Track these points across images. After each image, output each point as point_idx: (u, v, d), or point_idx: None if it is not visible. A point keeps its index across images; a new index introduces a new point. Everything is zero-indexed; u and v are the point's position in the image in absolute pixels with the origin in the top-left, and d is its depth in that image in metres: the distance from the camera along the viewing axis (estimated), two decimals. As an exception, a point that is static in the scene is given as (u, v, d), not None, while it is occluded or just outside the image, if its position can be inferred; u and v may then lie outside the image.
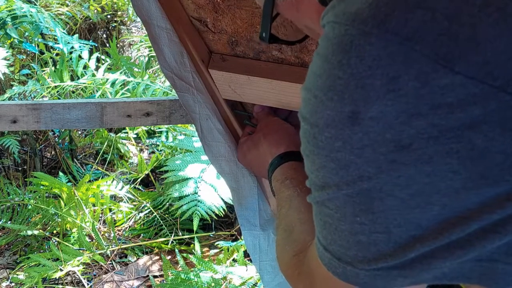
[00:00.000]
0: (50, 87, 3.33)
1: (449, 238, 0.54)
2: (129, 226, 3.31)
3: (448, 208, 0.54)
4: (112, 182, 3.31)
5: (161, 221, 3.18)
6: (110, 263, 3.04)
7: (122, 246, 3.10)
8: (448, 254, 0.55)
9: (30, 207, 3.16)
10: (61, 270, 2.75)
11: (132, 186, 3.40)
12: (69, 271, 2.85)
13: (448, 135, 0.52)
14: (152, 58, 4.05)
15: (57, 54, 3.74)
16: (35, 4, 3.70)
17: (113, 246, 3.09)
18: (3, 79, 3.46)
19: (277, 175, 1.08)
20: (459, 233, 0.54)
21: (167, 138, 3.53)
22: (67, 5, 4.26)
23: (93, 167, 3.66)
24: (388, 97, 0.52)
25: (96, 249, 2.97)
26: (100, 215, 3.25)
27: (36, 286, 2.72)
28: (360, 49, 0.53)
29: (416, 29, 0.52)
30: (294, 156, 1.10)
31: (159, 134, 3.70)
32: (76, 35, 3.78)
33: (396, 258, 0.56)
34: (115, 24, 4.60)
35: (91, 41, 4.01)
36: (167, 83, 3.60)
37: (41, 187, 3.22)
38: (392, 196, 0.55)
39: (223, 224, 3.29)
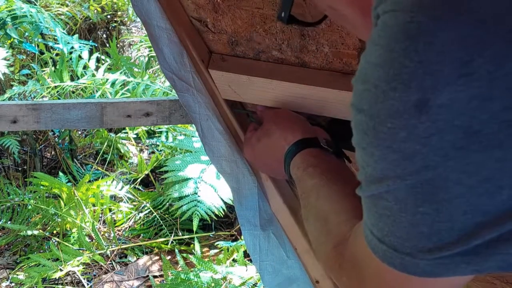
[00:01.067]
0: (50, 87, 3.34)
1: None
2: (129, 226, 3.31)
3: None
4: (112, 182, 3.31)
5: (161, 221, 3.18)
6: (110, 263, 3.04)
7: (122, 246, 3.10)
8: None
9: (30, 207, 3.16)
10: (61, 270, 2.76)
11: (132, 186, 3.40)
12: (69, 271, 2.85)
13: None
14: (152, 58, 4.05)
15: (57, 54, 3.74)
16: (35, 4, 3.70)
17: (113, 246, 3.09)
18: (3, 79, 3.46)
19: (298, 163, 1.04)
20: None
21: (167, 138, 3.53)
22: (67, 5, 4.26)
23: (93, 167, 3.66)
24: (459, 83, 0.51)
25: (96, 249, 2.97)
26: (100, 215, 3.26)
27: (36, 286, 2.72)
28: (430, 34, 0.52)
29: (491, 11, 0.51)
30: (311, 143, 1.06)
31: (159, 134, 3.70)
32: (76, 35, 3.78)
33: (460, 245, 0.55)
34: (115, 24, 4.60)
35: (91, 41, 4.01)
36: (167, 83, 3.60)
37: (41, 187, 3.22)
38: (459, 184, 0.54)
39: (223, 224, 3.29)
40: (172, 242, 3.11)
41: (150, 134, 3.81)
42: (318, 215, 0.90)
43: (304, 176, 1.00)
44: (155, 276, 2.92)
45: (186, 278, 2.57)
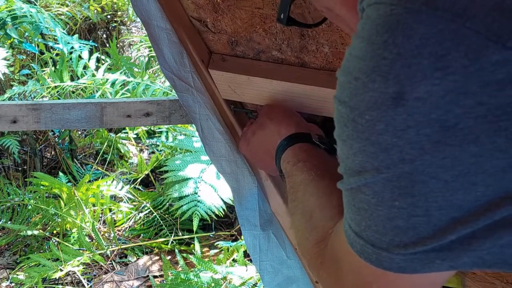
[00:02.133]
0: (50, 87, 3.34)
1: (492, 218, 0.53)
2: (129, 226, 3.31)
3: (493, 188, 0.53)
4: (112, 182, 3.31)
5: (161, 221, 3.18)
6: (110, 263, 3.04)
7: (122, 246, 3.10)
8: (489, 234, 0.54)
9: (30, 207, 3.16)
10: (61, 270, 2.75)
11: (132, 186, 3.40)
12: (69, 271, 2.85)
13: (496, 113, 0.51)
14: (152, 58, 4.05)
15: (57, 54, 3.74)
16: (35, 4, 3.70)
17: (113, 246, 3.09)
18: (3, 79, 3.46)
19: (288, 156, 1.05)
20: (503, 213, 0.53)
21: (167, 138, 3.53)
22: (67, 5, 4.26)
23: (93, 167, 3.66)
24: (435, 76, 0.51)
25: (96, 249, 2.97)
26: (100, 215, 3.26)
27: (36, 286, 2.72)
28: (408, 27, 0.53)
29: (467, 5, 0.52)
30: (304, 138, 1.06)
31: (159, 134, 3.70)
32: (76, 35, 3.78)
33: (435, 241, 0.55)
34: (115, 24, 4.60)
35: (91, 41, 4.01)
36: (167, 83, 3.60)
37: (41, 187, 3.22)
38: (435, 179, 0.54)
39: (223, 224, 3.29)
40: (172, 242, 3.11)
41: (150, 134, 3.81)
42: (304, 210, 0.90)
43: (294, 170, 1.01)
44: (155, 276, 2.92)
45: (186, 278, 2.57)
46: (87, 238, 3.03)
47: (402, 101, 0.52)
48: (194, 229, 2.88)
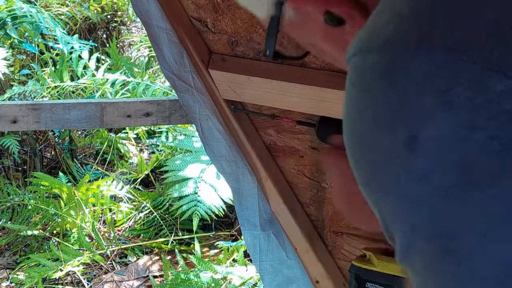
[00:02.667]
0: (50, 87, 3.34)
1: None
2: (129, 226, 3.31)
3: None
4: (112, 182, 3.31)
5: (161, 221, 3.18)
6: (110, 263, 3.04)
7: (122, 246, 3.10)
8: None
9: (30, 207, 3.16)
10: (61, 270, 2.75)
11: (132, 186, 3.40)
12: (69, 271, 2.85)
13: (509, 147, 0.47)
14: (152, 58, 4.05)
15: (57, 54, 3.74)
16: (35, 4, 3.70)
17: (113, 246, 3.09)
18: (3, 79, 3.46)
19: None
20: None
21: (167, 138, 3.53)
22: (67, 5, 4.26)
23: (93, 167, 3.66)
24: (442, 112, 0.49)
25: (96, 249, 2.97)
26: (100, 215, 3.26)
27: (36, 286, 2.72)
28: (406, 68, 0.51)
29: (463, 38, 0.50)
30: None
31: (159, 134, 3.70)
32: (76, 35, 3.78)
33: None
34: (115, 24, 4.60)
35: (91, 41, 4.01)
36: (167, 83, 3.59)
37: (41, 187, 3.22)
38: (470, 231, 0.49)
39: (223, 224, 3.29)
40: (172, 242, 3.11)
41: (150, 134, 3.81)
42: None
43: None
44: (155, 276, 2.92)
45: (186, 278, 2.57)
46: (87, 238, 3.03)
47: (416, 145, 0.49)
48: (194, 229, 2.88)
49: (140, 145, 3.90)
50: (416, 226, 0.51)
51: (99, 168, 3.66)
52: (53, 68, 3.57)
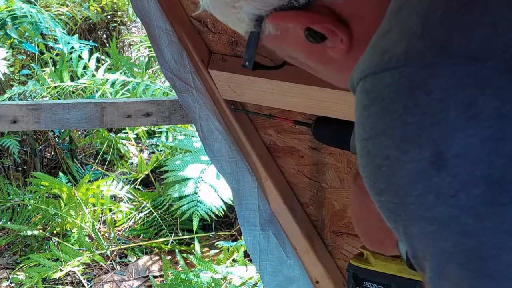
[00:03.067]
0: (50, 87, 3.34)
1: None
2: (129, 226, 3.31)
3: None
4: (112, 182, 3.31)
5: (161, 221, 3.18)
6: (110, 263, 3.04)
7: (122, 246, 3.10)
8: None
9: (30, 207, 3.16)
10: (61, 270, 2.75)
11: (132, 186, 3.40)
12: (69, 271, 2.85)
13: None
14: (152, 58, 4.05)
15: (57, 54, 3.74)
16: (35, 4, 3.70)
17: (113, 246, 3.09)
18: (3, 79, 3.46)
19: None
20: None
21: (167, 138, 3.53)
22: (67, 5, 4.26)
23: (93, 167, 3.66)
24: (469, 126, 0.46)
25: (96, 249, 2.97)
26: (100, 215, 3.26)
27: (36, 286, 2.72)
28: (425, 84, 0.48)
29: (481, 46, 0.48)
30: None
31: (159, 134, 3.70)
32: (76, 35, 3.78)
33: None
34: (115, 24, 4.60)
35: (91, 41, 4.01)
36: (167, 83, 3.59)
37: (41, 187, 3.22)
38: (504, 250, 0.46)
39: (223, 224, 3.29)
40: (172, 242, 3.11)
41: (150, 134, 3.81)
42: None
43: None
44: (155, 276, 2.92)
45: (186, 278, 2.57)
46: (87, 238, 3.03)
47: (442, 163, 0.47)
48: (194, 229, 2.88)
49: (140, 145, 3.90)
50: (447, 250, 0.49)
51: (99, 168, 3.66)
52: (53, 68, 3.57)
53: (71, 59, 3.48)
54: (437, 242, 0.49)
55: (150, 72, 3.85)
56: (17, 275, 2.90)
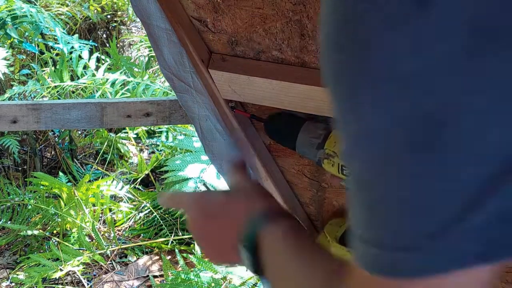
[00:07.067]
0: (50, 87, 3.34)
1: None
2: (129, 226, 3.31)
3: None
4: (112, 182, 3.31)
5: (161, 221, 3.18)
6: (110, 263, 3.04)
7: (122, 246, 3.10)
8: None
9: (30, 207, 3.16)
10: (61, 270, 2.76)
11: (132, 186, 3.40)
12: (69, 271, 2.85)
13: None
14: (152, 58, 4.05)
15: (57, 54, 3.74)
16: (35, 4, 3.70)
17: (113, 246, 3.09)
18: (3, 79, 3.46)
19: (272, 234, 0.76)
20: None
21: (167, 138, 3.54)
22: (67, 5, 4.26)
23: (93, 167, 3.66)
24: None
25: (96, 249, 2.97)
26: (100, 215, 3.26)
27: (36, 286, 2.72)
28: None
29: None
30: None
31: (159, 134, 3.70)
32: (76, 35, 3.78)
33: (473, 214, 0.38)
34: (115, 24, 4.60)
35: (91, 41, 4.01)
36: (167, 83, 3.59)
37: (41, 187, 3.22)
38: (471, 113, 0.36)
39: (223, 224, 3.29)
40: (172, 242, 3.11)
41: (150, 134, 3.81)
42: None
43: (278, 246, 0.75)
44: (155, 276, 2.92)
45: (186, 278, 2.57)
46: (87, 238, 3.03)
47: (428, 4, 0.35)
48: (194, 229, 2.88)
49: (140, 145, 3.90)
50: (398, 115, 0.38)
51: (99, 168, 3.66)
52: (53, 68, 3.57)
53: (71, 59, 3.48)
54: (388, 108, 0.38)
55: (150, 72, 3.85)
56: (17, 274, 2.90)
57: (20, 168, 3.64)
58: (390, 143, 0.39)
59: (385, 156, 0.40)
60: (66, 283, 2.92)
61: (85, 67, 3.48)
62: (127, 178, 3.54)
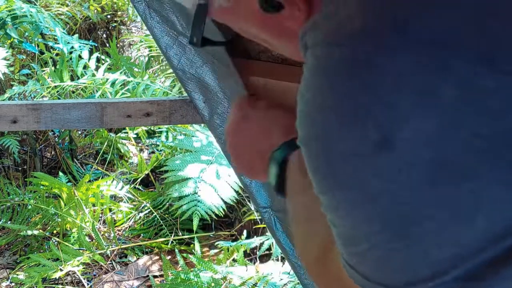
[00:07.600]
0: (50, 87, 3.33)
1: (495, 251, 0.47)
2: (129, 226, 3.31)
3: (494, 220, 0.47)
4: (112, 182, 3.31)
5: (161, 221, 3.18)
6: (110, 263, 3.04)
7: (122, 246, 3.10)
8: (492, 269, 0.48)
9: (30, 207, 3.16)
10: (61, 270, 2.75)
11: (132, 186, 3.40)
12: (69, 271, 2.85)
13: (496, 143, 0.45)
14: (152, 58, 4.05)
15: (57, 54, 3.74)
16: (35, 4, 3.70)
17: (113, 246, 3.09)
18: (3, 79, 3.46)
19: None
20: (507, 244, 0.47)
21: (167, 138, 3.53)
22: (67, 5, 4.26)
23: (93, 167, 3.66)
24: (422, 113, 0.46)
25: (96, 249, 2.97)
26: (100, 215, 3.26)
27: (36, 286, 2.72)
28: (381, 65, 0.47)
29: (447, 33, 0.46)
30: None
31: (159, 134, 3.70)
32: (76, 35, 3.78)
33: (437, 279, 0.49)
34: (115, 24, 4.59)
35: (91, 41, 4.01)
36: (167, 83, 3.60)
37: (41, 187, 3.22)
38: (430, 220, 0.48)
39: (223, 224, 3.29)
40: (172, 242, 3.11)
41: (150, 134, 3.81)
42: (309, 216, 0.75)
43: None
44: (155, 276, 2.92)
45: (186, 278, 2.57)
46: (87, 238, 3.03)
47: (387, 145, 0.47)
48: (194, 229, 2.88)
49: (140, 145, 3.90)
50: (371, 218, 0.50)
51: (99, 168, 3.66)
52: (53, 68, 3.57)
53: (71, 59, 3.48)
54: (362, 211, 0.50)
55: (150, 72, 3.85)
56: (17, 274, 2.90)
57: (20, 168, 3.64)
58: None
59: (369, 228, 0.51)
60: (66, 283, 2.92)
61: (85, 67, 3.48)
62: (127, 178, 3.54)
